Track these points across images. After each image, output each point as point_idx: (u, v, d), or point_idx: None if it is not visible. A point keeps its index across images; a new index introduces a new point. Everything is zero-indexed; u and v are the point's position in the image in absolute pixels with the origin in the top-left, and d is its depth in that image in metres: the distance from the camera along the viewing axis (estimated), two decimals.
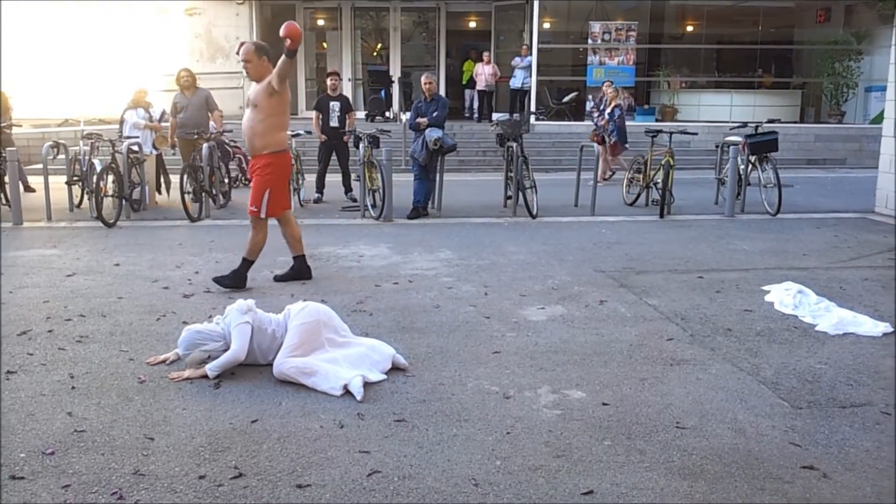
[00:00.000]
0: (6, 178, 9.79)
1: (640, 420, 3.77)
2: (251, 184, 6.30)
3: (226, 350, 4.32)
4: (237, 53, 6.19)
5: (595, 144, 11.35)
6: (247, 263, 6.21)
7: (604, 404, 3.95)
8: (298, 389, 4.09)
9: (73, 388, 4.11)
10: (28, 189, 11.63)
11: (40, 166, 10.07)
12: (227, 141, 12.91)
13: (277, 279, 6.43)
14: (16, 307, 5.59)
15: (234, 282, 6.12)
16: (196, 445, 3.47)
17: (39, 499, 3.02)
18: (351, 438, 3.55)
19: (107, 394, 4.04)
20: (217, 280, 6.14)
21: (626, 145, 13.41)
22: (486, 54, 19.10)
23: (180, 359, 4.47)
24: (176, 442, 3.50)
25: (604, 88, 13.43)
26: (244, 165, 12.89)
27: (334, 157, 11.28)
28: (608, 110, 13.06)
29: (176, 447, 3.45)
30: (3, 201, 10.07)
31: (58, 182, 10.21)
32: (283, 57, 5.80)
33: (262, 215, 6.15)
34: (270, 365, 4.28)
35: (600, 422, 3.75)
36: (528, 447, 3.48)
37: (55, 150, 10.50)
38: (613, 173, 13.52)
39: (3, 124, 11.00)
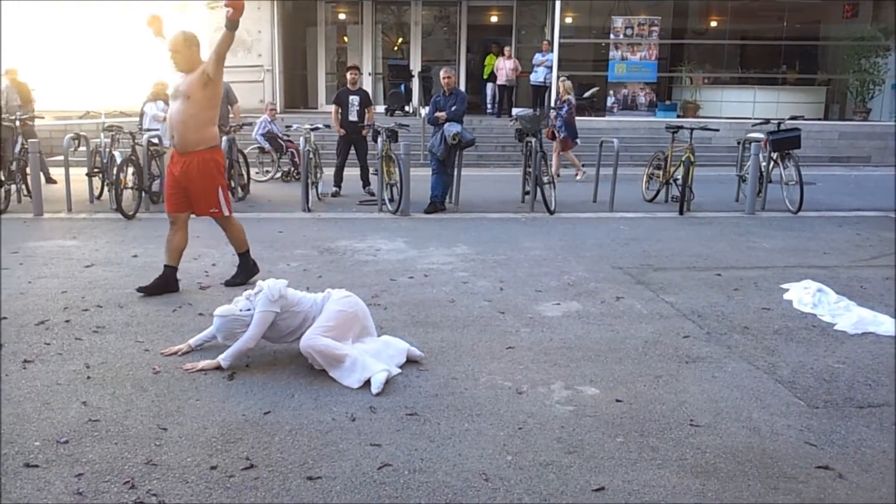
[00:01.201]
0: (28, 170, 9.91)
1: (654, 417, 3.74)
2: (197, 184, 5.73)
3: None
4: (147, 25, 5.79)
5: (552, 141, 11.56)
6: (245, 255, 6.18)
7: (617, 401, 3.93)
8: (311, 381, 4.10)
9: (88, 377, 4.15)
10: (49, 180, 11.75)
11: (62, 158, 10.16)
12: (280, 135, 12.91)
13: (140, 289, 5.78)
14: (34, 297, 5.65)
15: (246, 276, 6.11)
16: (209, 436, 3.49)
17: (53, 487, 3.05)
18: (362, 431, 3.55)
19: (121, 384, 4.07)
20: (229, 283, 6.05)
21: (577, 141, 13.38)
22: (507, 49, 19.04)
23: (194, 350, 4.51)
24: (189, 432, 3.52)
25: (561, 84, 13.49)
26: (296, 160, 12.79)
27: (353, 151, 11.30)
28: (558, 104, 13.08)
29: (189, 438, 3.47)
30: (25, 192, 10.19)
31: (78, 174, 10.32)
32: (223, 31, 5.43)
33: (227, 213, 5.93)
34: (285, 354, 4.28)
35: (613, 418, 3.72)
36: (539, 443, 3.46)
37: (76, 141, 10.58)
38: (572, 169, 13.57)
39: (25, 116, 11.12)
